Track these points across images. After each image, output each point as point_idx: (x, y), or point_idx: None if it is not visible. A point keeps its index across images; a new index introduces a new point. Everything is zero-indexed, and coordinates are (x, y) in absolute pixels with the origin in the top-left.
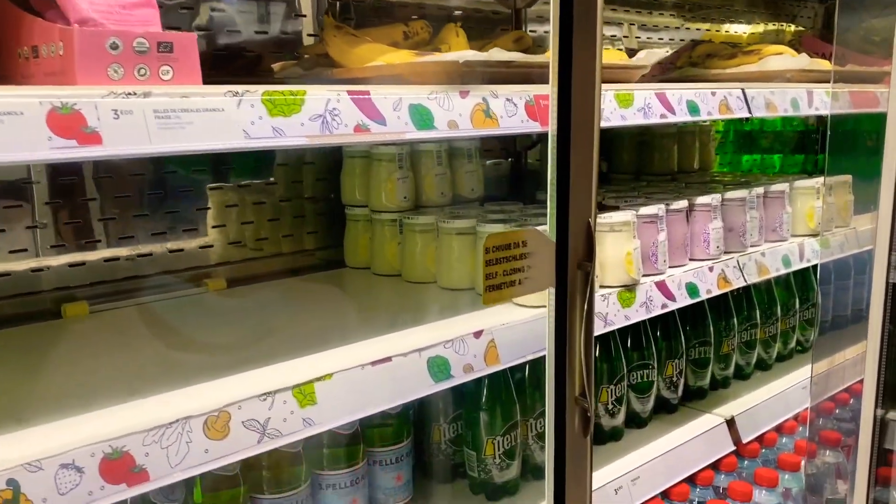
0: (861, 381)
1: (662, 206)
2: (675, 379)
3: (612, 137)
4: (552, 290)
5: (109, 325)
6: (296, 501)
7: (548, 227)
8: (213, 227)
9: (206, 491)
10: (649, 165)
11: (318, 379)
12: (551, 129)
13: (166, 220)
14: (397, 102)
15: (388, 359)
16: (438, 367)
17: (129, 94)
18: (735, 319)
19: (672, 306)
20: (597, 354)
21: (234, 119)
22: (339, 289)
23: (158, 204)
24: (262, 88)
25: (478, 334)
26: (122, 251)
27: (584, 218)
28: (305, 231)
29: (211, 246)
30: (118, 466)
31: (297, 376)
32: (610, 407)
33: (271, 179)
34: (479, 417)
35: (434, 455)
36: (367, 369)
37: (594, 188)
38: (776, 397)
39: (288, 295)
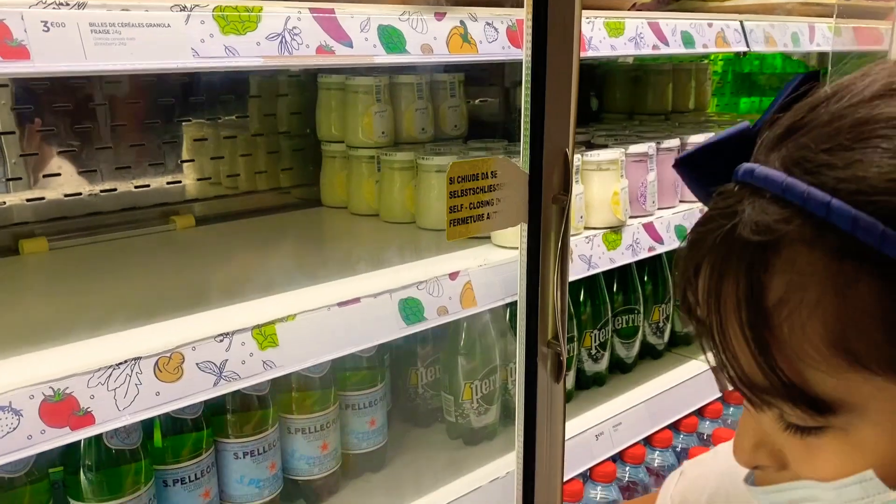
0: None
1: (653, 145)
2: (661, 324)
3: (603, 74)
4: (524, 227)
5: (69, 263)
6: (263, 446)
7: (521, 159)
8: (182, 161)
9: (166, 435)
10: (642, 105)
11: (280, 320)
12: (525, 51)
13: (131, 153)
14: (365, 23)
15: (357, 300)
16: (411, 310)
17: (61, 4)
18: None
19: (660, 249)
20: (581, 298)
21: (182, 36)
22: (312, 229)
23: (123, 136)
24: (213, 3)
25: (453, 276)
26: (84, 186)
27: (560, 148)
28: (280, 168)
29: (179, 182)
30: (60, 409)
31: (257, 317)
32: (594, 352)
33: (244, 113)
34: (457, 361)
35: (411, 399)
36: (333, 310)
37: (572, 117)
38: None
39: (259, 234)
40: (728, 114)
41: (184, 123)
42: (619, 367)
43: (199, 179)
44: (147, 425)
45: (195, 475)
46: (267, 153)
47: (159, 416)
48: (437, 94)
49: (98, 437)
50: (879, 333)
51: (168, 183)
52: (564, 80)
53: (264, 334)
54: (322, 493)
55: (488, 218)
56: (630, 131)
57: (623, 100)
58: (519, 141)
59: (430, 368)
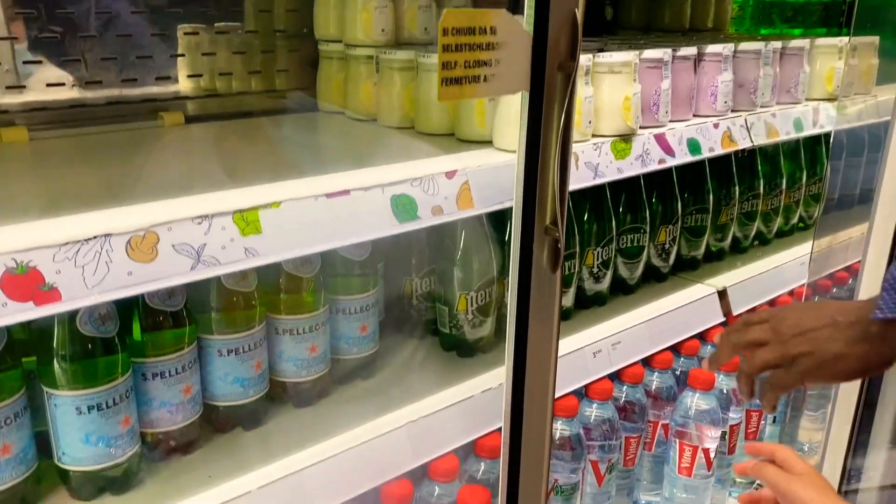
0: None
1: (668, 51)
2: (667, 246)
3: None
4: (526, 96)
5: (48, 153)
6: (248, 344)
7: (525, 20)
8: (171, 56)
9: (146, 329)
10: (659, 20)
11: (264, 206)
12: None
13: (117, 43)
14: None
15: (347, 192)
16: (403, 207)
17: None
18: (737, 188)
19: (670, 162)
20: (585, 213)
21: None
22: (305, 131)
23: (109, 25)
24: None
25: (450, 174)
26: (67, 76)
27: (569, 8)
28: (276, 69)
29: (169, 78)
30: (23, 282)
31: (240, 203)
32: (595, 270)
33: (238, 7)
34: (453, 271)
35: (405, 310)
36: (321, 201)
37: None
38: (772, 271)
39: (250, 135)
40: (749, 35)
41: (174, 15)
42: (621, 288)
43: (189, 76)
44: (125, 315)
45: (176, 370)
46: (262, 52)
47: (138, 305)
48: None
49: (72, 323)
50: None
51: (157, 78)
52: None
53: (246, 220)
54: (310, 396)
55: (485, 80)
56: (645, 41)
57: (639, 14)
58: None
59: (425, 279)
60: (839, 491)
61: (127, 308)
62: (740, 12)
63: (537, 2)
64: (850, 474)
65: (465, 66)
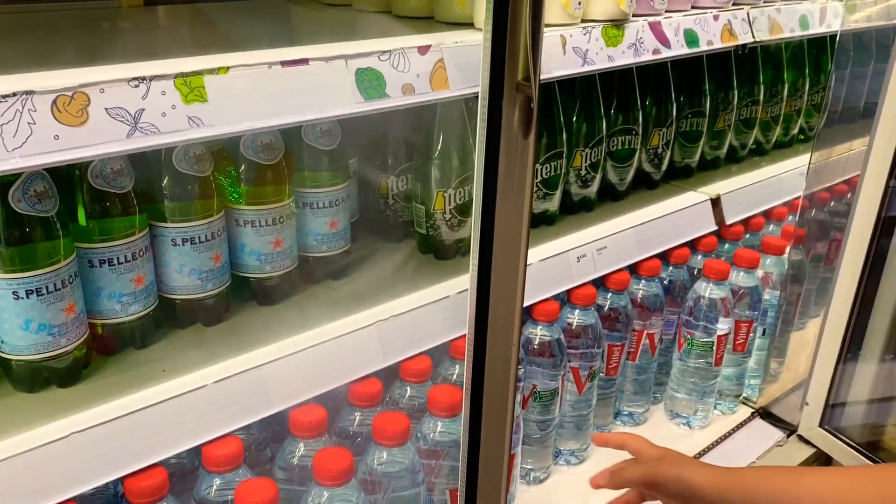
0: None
1: None
2: (660, 150)
3: None
4: None
5: None
6: (205, 234)
7: None
8: None
9: (92, 216)
10: None
11: (210, 71)
12: None
13: None
14: None
15: (305, 61)
16: (370, 82)
17: None
18: (735, 92)
19: (665, 53)
20: (574, 111)
21: None
22: (272, 15)
23: None
24: None
25: (423, 50)
26: None
27: None
28: None
29: None
30: None
31: (183, 67)
32: (583, 173)
33: None
34: (430, 167)
35: (381, 212)
36: (275, 70)
37: None
38: (769, 181)
39: (213, 19)
40: None
41: None
42: (610, 194)
43: None
44: (68, 197)
45: (125, 257)
46: None
47: (81, 186)
48: None
49: (4, 200)
50: None
51: None
52: None
53: (190, 86)
54: (275, 293)
55: None
56: None
57: None
58: None
59: (401, 177)
60: (826, 403)
61: (69, 187)
62: None
63: None
64: (838, 387)
65: None
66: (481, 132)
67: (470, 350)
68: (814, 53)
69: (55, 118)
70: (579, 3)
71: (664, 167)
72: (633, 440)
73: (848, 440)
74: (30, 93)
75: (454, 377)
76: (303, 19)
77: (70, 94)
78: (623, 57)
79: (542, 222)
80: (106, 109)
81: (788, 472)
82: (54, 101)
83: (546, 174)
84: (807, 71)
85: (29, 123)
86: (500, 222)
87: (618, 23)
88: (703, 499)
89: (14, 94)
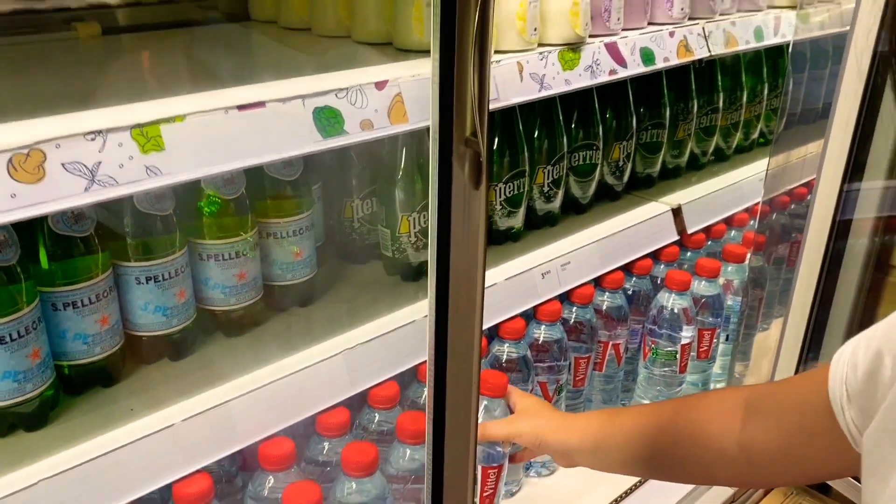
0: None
1: None
2: (621, 163)
3: None
4: None
5: None
6: (169, 271)
7: None
8: None
9: (53, 256)
10: None
11: (166, 120)
12: None
13: None
14: None
15: (261, 104)
16: (328, 120)
17: None
18: (695, 102)
19: (622, 73)
20: (534, 130)
21: None
22: (232, 42)
23: None
24: None
25: (380, 85)
26: None
27: None
28: None
29: None
30: None
31: (140, 117)
32: (546, 189)
33: None
34: (394, 192)
35: (346, 235)
36: (232, 114)
37: None
38: (730, 188)
39: (171, 46)
40: None
41: None
42: (574, 207)
43: None
44: (30, 242)
45: (89, 299)
46: None
47: (43, 232)
48: None
49: None
50: None
51: None
52: None
53: (147, 136)
54: (241, 325)
55: None
56: None
57: None
58: None
59: (365, 201)
60: None
61: (30, 234)
62: None
63: None
64: None
65: None
66: (433, 185)
67: (431, 384)
68: (772, 59)
69: (11, 177)
70: (535, 29)
71: (626, 179)
72: (513, 396)
73: None
74: None
75: (422, 400)
76: (262, 46)
77: (26, 151)
78: (580, 80)
79: (508, 239)
80: (63, 165)
81: (605, 414)
82: (10, 161)
83: (509, 192)
84: (765, 76)
85: None
86: (454, 269)
87: (574, 46)
88: (554, 450)
89: None
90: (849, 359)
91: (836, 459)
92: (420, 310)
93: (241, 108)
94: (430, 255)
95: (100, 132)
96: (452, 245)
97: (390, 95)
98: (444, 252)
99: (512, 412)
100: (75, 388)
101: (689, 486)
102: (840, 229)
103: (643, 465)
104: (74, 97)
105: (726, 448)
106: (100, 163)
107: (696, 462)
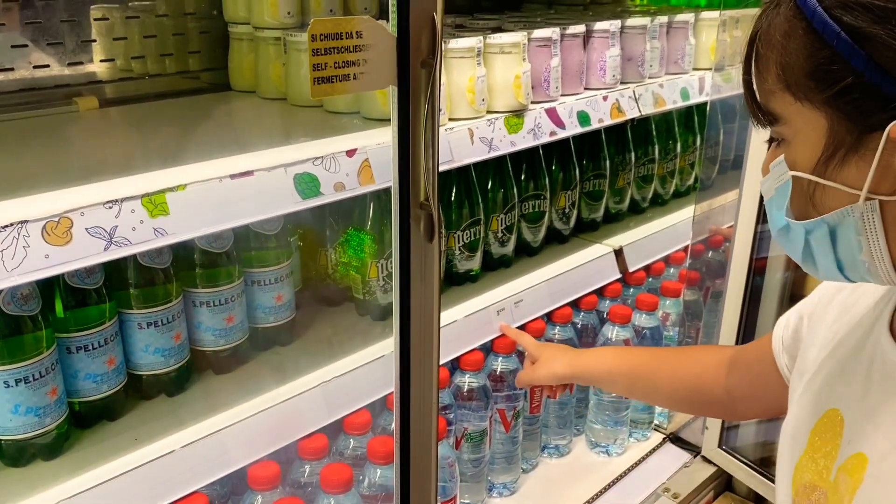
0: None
1: (557, 30)
2: (567, 210)
3: None
4: (395, 90)
5: None
6: (166, 317)
7: (390, 23)
8: (83, 41)
9: (68, 306)
10: None
11: (170, 189)
12: None
13: (28, 31)
14: None
15: (250, 173)
16: (306, 184)
17: None
18: (633, 154)
19: (561, 134)
20: (488, 183)
21: None
22: (217, 112)
23: (15, 14)
24: None
25: (351, 153)
26: None
27: (427, 11)
28: (188, 51)
29: (81, 63)
30: None
31: (148, 187)
32: (500, 235)
33: None
34: (364, 240)
35: (322, 280)
36: (225, 182)
37: None
38: (666, 230)
39: (163, 116)
40: (650, 6)
41: (86, 2)
42: (526, 250)
43: (102, 61)
44: (48, 293)
45: (98, 343)
46: (174, 35)
47: (59, 285)
48: None
49: None
50: (801, 70)
51: (69, 64)
52: None
53: (154, 202)
54: (230, 363)
55: (355, 78)
56: (542, 19)
57: None
58: None
59: (339, 249)
60: (723, 426)
61: (49, 286)
62: None
63: (399, 7)
64: None
65: (335, 66)
66: (395, 241)
67: (397, 410)
68: (704, 111)
69: (45, 241)
70: (483, 100)
71: (573, 224)
72: (522, 338)
73: (743, 458)
74: (24, 222)
75: (392, 426)
76: (245, 116)
77: (57, 219)
78: (524, 141)
79: (467, 280)
80: (86, 229)
81: (610, 352)
82: (44, 227)
83: (467, 239)
84: (697, 128)
85: (24, 247)
86: (414, 307)
87: (518, 112)
88: (571, 379)
89: (11, 225)
90: (784, 321)
91: (785, 397)
92: (389, 346)
93: (233, 176)
94: (394, 298)
95: (116, 201)
96: (412, 289)
97: (359, 161)
98: (406, 295)
99: (532, 361)
100: (85, 422)
101: (645, 494)
102: (757, 267)
103: (650, 396)
104: (87, 168)
105: (717, 393)
106: (116, 226)
107: (694, 402)
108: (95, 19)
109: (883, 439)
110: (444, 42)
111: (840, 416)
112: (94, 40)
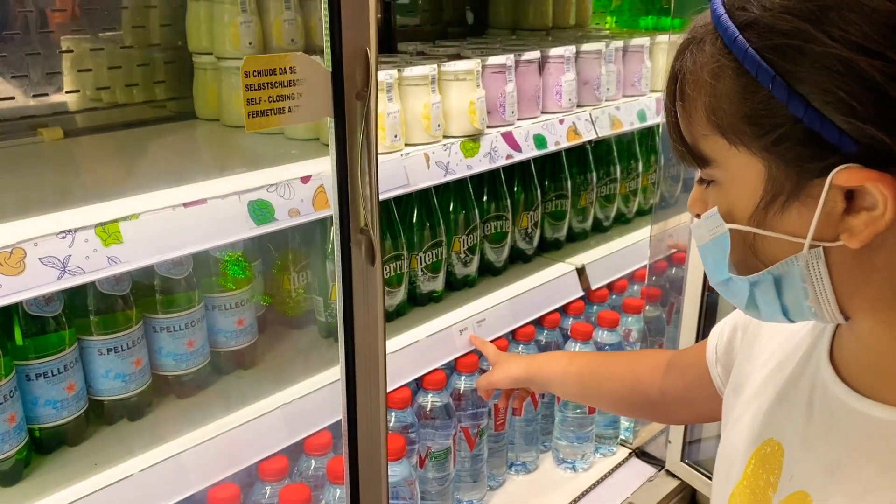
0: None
1: (511, 57)
2: (530, 230)
3: None
4: (332, 121)
5: None
6: (126, 343)
7: (325, 58)
8: (48, 74)
9: (27, 334)
10: (524, 20)
11: (124, 219)
12: None
13: None
14: None
15: (204, 201)
16: (261, 211)
17: None
18: (594, 174)
19: (518, 157)
20: (450, 206)
21: None
22: (181, 140)
23: None
24: None
25: (305, 179)
26: None
27: (360, 46)
28: (153, 80)
29: (46, 94)
30: None
31: (102, 217)
32: (463, 256)
33: (112, 25)
34: (325, 264)
35: (285, 303)
36: (179, 211)
37: (372, 15)
38: (629, 248)
39: (127, 146)
40: (606, 29)
41: (51, 35)
42: (490, 270)
43: (67, 92)
44: (6, 321)
45: (58, 369)
46: (139, 66)
47: (18, 313)
48: (308, 4)
49: None
50: (734, 115)
51: (34, 95)
52: None
53: (108, 232)
54: (191, 387)
55: (290, 111)
56: (501, 45)
57: (507, 15)
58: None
59: (301, 273)
60: (684, 440)
61: (6, 314)
62: (619, 2)
63: (332, 43)
64: (692, 425)
65: (270, 100)
66: (337, 265)
67: (345, 432)
68: (662, 132)
69: None
70: (439, 125)
71: (536, 243)
72: (485, 347)
73: (704, 471)
74: None
75: None
76: (206, 144)
77: (10, 250)
78: (480, 164)
79: (430, 300)
80: (40, 259)
81: (566, 355)
82: None
83: (429, 260)
84: (658, 147)
85: None
86: (358, 330)
87: (474, 137)
88: (525, 382)
89: None
90: (719, 329)
91: (717, 404)
92: None
93: (186, 205)
94: (338, 323)
95: (70, 231)
96: (355, 313)
97: (314, 187)
98: (349, 319)
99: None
100: (45, 448)
101: None
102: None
103: (594, 399)
104: (46, 199)
105: (652, 394)
106: (70, 255)
107: (632, 403)
108: (61, 51)
109: (826, 481)
110: (400, 70)
111: (780, 447)
112: (60, 72)
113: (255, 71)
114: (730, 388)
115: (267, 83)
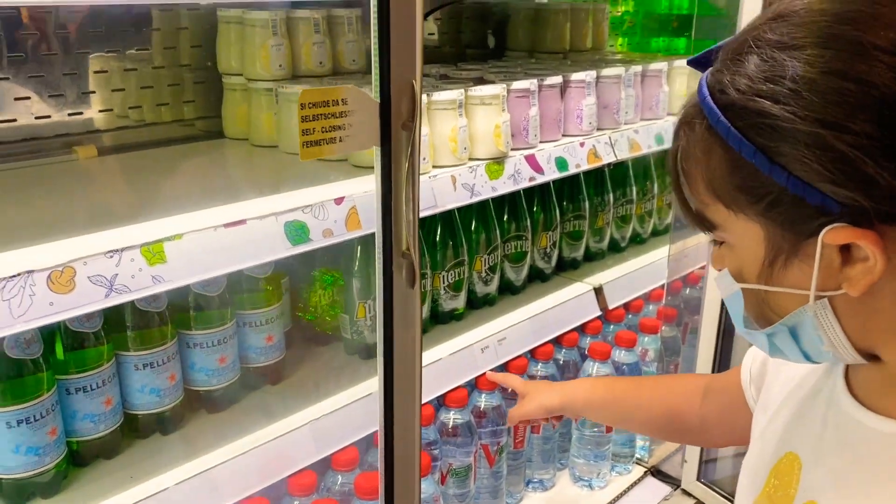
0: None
1: (535, 81)
2: (549, 250)
3: (506, 13)
4: (378, 150)
5: None
6: (162, 358)
7: (373, 90)
8: (84, 93)
9: (68, 349)
10: (542, 43)
11: (168, 239)
12: None
13: (30, 84)
14: None
15: (243, 222)
16: (296, 231)
17: None
18: (611, 195)
19: (540, 179)
20: (472, 225)
21: None
22: (212, 159)
23: (21, 68)
24: None
25: (339, 201)
26: None
27: (407, 79)
28: (183, 100)
29: (81, 113)
30: None
31: (147, 236)
32: (484, 275)
33: (145, 46)
34: (352, 283)
35: (311, 319)
36: (219, 231)
37: (419, 49)
38: (645, 268)
39: (159, 164)
40: (622, 52)
41: (86, 55)
42: (509, 289)
43: (101, 111)
44: (49, 337)
45: (97, 384)
46: (169, 86)
47: (60, 329)
48: (336, 28)
49: (0, 348)
50: (728, 185)
51: (70, 114)
52: (409, 14)
53: (153, 251)
54: (222, 402)
55: (341, 141)
56: (522, 69)
57: (525, 38)
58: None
59: (328, 290)
60: (700, 459)
61: (50, 331)
62: (631, 24)
63: (381, 76)
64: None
65: (322, 130)
66: (378, 287)
67: (382, 447)
68: None
69: (50, 289)
70: (465, 148)
71: (554, 263)
72: (508, 379)
73: (720, 491)
74: (31, 272)
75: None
76: (238, 163)
77: (61, 269)
78: (504, 186)
79: (452, 318)
80: (88, 277)
81: (599, 382)
82: (49, 276)
83: (452, 279)
84: None
85: (30, 296)
86: (397, 349)
87: (498, 159)
88: (560, 410)
89: (19, 274)
90: (753, 352)
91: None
92: (375, 384)
93: (226, 225)
94: (378, 341)
95: (117, 251)
96: (395, 332)
97: (347, 208)
98: (389, 338)
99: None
100: (83, 461)
101: None
102: None
103: (630, 424)
104: (89, 217)
105: (691, 422)
106: (116, 275)
107: (672, 430)
108: (95, 72)
109: (835, 493)
110: (428, 94)
111: (799, 460)
112: (94, 91)
113: (310, 103)
114: (759, 406)
115: (321, 115)
